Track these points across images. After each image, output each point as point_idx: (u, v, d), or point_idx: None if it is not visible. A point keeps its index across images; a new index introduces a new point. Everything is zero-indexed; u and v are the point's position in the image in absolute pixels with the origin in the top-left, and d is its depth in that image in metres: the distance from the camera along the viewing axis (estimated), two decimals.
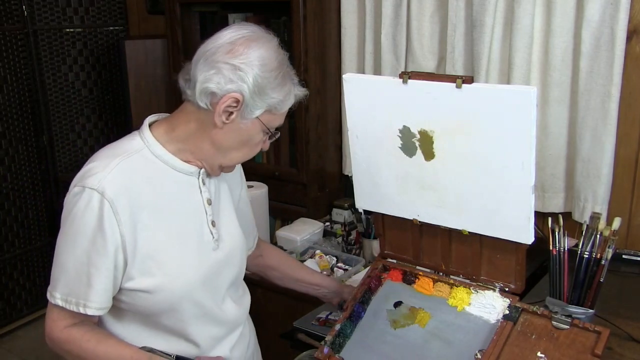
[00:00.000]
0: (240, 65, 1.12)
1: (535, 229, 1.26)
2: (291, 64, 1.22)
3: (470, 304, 1.35)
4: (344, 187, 2.50)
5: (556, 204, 2.02)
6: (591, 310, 1.33)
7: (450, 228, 1.37)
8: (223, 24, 2.48)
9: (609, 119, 1.82)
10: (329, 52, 2.33)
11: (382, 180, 1.42)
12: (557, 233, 1.35)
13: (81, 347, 1.16)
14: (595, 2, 1.78)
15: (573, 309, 1.32)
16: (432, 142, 1.29)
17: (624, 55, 1.78)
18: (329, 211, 2.39)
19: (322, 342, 1.36)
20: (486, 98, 1.20)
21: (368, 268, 1.59)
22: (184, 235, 1.22)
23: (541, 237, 1.45)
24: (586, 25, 1.80)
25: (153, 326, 1.23)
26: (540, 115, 1.95)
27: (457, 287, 1.39)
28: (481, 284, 1.37)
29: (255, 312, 1.46)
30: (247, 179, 1.47)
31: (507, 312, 1.30)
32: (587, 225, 1.37)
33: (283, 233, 2.20)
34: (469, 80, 1.21)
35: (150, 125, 1.23)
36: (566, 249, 1.36)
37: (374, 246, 2.06)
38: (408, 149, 1.34)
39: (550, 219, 1.39)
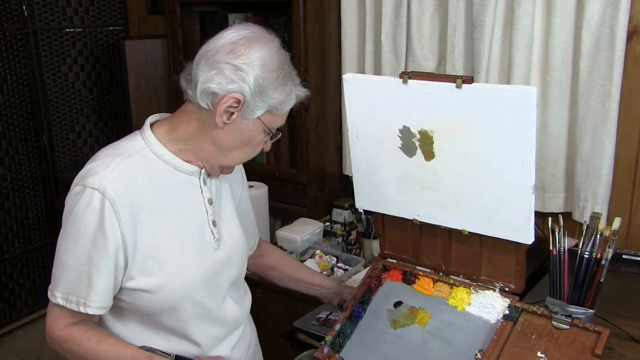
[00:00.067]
0: (242, 66, 1.12)
1: (535, 229, 1.26)
2: (292, 64, 1.22)
3: (470, 304, 1.35)
4: (344, 187, 2.50)
5: (556, 204, 2.02)
6: (591, 310, 1.33)
7: (450, 228, 1.37)
8: (223, 24, 2.49)
9: (609, 119, 1.82)
10: (329, 52, 2.33)
11: (382, 180, 1.42)
12: (557, 233, 1.35)
13: (81, 346, 1.17)
14: (596, 2, 1.78)
15: (573, 309, 1.32)
16: (432, 142, 1.29)
17: (624, 55, 1.78)
18: (329, 211, 2.39)
19: (322, 342, 1.36)
20: (486, 98, 1.20)
21: (368, 268, 1.59)
22: (185, 235, 1.22)
23: (541, 237, 1.45)
24: (586, 25, 1.80)
25: (153, 326, 1.23)
26: (540, 115, 1.95)
27: (457, 287, 1.39)
28: (481, 284, 1.37)
29: (255, 312, 1.46)
30: (247, 179, 1.47)
31: (507, 312, 1.30)
32: (587, 225, 1.37)
33: (283, 233, 2.20)
34: (469, 80, 1.21)
35: (151, 125, 1.23)
36: (566, 249, 1.36)
37: (374, 246, 2.06)
38: (408, 149, 1.34)
39: (550, 219, 1.39)
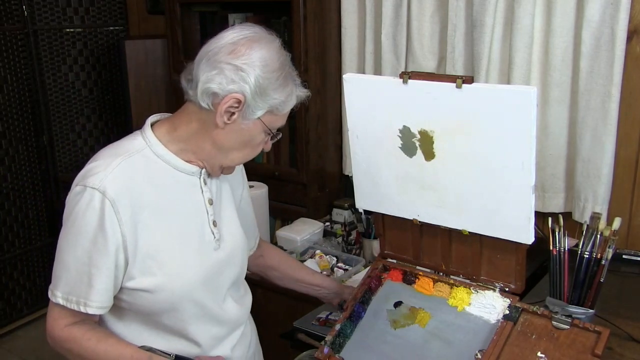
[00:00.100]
0: (242, 66, 1.12)
1: (535, 229, 1.26)
2: (292, 65, 1.22)
3: (470, 304, 1.35)
4: (344, 187, 2.50)
5: (556, 204, 2.02)
6: (591, 310, 1.33)
7: (450, 228, 1.37)
8: (223, 24, 2.49)
9: (609, 119, 1.82)
10: (329, 52, 2.33)
11: (382, 180, 1.42)
12: (557, 233, 1.35)
13: (82, 345, 1.17)
14: (596, 2, 1.78)
15: (573, 309, 1.32)
16: (432, 142, 1.29)
17: (624, 55, 1.78)
18: (329, 211, 2.39)
19: (322, 342, 1.36)
20: (486, 98, 1.20)
21: (368, 268, 1.59)
22: (185, 235, 1.22)
23: (541, 237, 1.45)
24: (586, 25, 1.80)
25: (154, 325, 1.23)
26: (541, 115, 1.95)
27: (457, 287, 1.39)
28: (481, 284, 1.37)
29: (256, 312, 1.46)
30: (248, 179, 1.47)
31: (507, 312, 1.30)
32: (588, 225, 1.37)
33: (283, 233, 2.20)
34: (469, 80, 1.21)
35: (152, 125, 1.23)
36: (566, 249, 1.36)
37: (374, 246, 2.06)
38: (408, 149, 1.34)
39: (550, 219, 1.39)
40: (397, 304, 1.41)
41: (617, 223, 1.34)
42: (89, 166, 1.16)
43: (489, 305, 1.32)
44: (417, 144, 1.32)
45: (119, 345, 1.19)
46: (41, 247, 3.19)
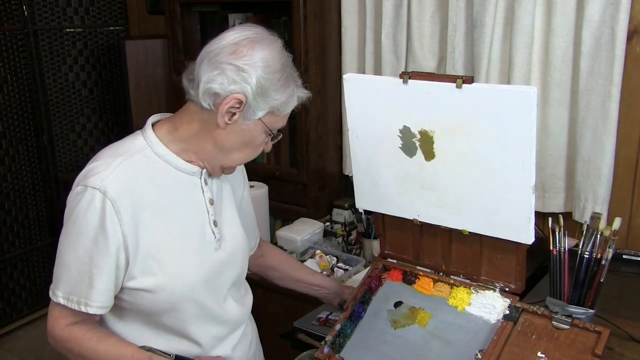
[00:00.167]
0: (244, 67, 1.12)
1: (535, 229, 1.26)
2: (293, 66, 1.22)
3: (470, 304, 1.35)
4: (344, 187, 2.50)
5: (556, 204, 2.02)
6: (591, 311, 1.33)
7: (450, 228, 1.37)
8: (223, 24, 2.49)
9: (609, 119, 1.82)
10: (329, 52, 2.33)
11: (382, 180, 1.42)
12: (557, 233, 1.35)
13: (82, 345, 1.17)
14: (596, 2, 1.78)
15: (573, 309, 1.32)
16: (433, 142, 1.29)
17: (624, 55, 1.78)
18: (329, 211, 2.39)
19: (323, 342, 1.36)
20: (486, 98, 1.20)
21: (368, 268, 1.59)
22: (186, 235, 1.22)
23: (541, 237, 1.45)
24: (586, 25, 1.80)
25: (154, 325, 1.24)
26: (541, 115, 1.95)
27: (457, 287, 1.39)
28: (481, 284, 1.37)
29: (256, 312, 1.46)
30: (248, 179, 1.47)
31: (507, 312, 1.30)
32: (588, 225, 1.37)
33: (283, 233, 2.20)
34: (469, 80, 1.21)
35: (153, 125, 1.23)
36: (566, 249, 1.36)
37: (374, 246, 2.06)
38: (408, 149, 1.34)
39: (550, 219, 1.39)
40: (397, 304, 1.41)
41: (617, 223, 1.34)
42: (90, 166, 1.16)
43: (489, 305, 1.32)
44: (417, 144, 1.32)
45: (119, 345, 1.19)
46: (41, 247, 3.19)
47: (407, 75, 1.28)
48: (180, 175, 1.22)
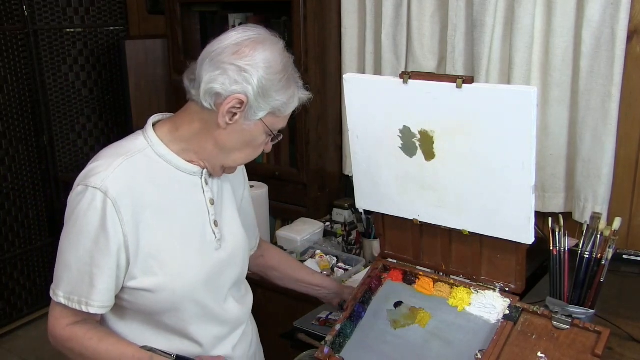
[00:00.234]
0: (246, 67, 1.12)
1: (535, 229, 1.26)
2: (295, 67, 1.22)
3: (470, 304, 1.35)
4: (344, 187, 2.50)
5: (556, 204, 2.02)
6: (591, 311, 1.33)
7: (450, 228, 1.37)
8: (223, 24, 2.49)
9: (609, 119, 1.82)
10: (330, 52, 2.33)
11: (382, 180, 1.42)
12: (557, 233, 1.35)
13: (83, 345, 1.17)
14: (596, 2, 1.78)
15: (573, 309, 1.32)
16: (433, 142, 1.29)
17: (624, 55, 1.78)
18: (329, 211, 2.39)
19: (323, 342, 1.36)
20: (486, 98, 1.20)
21: (368, 268, 1.59)
22: (187, 235, 1.22)
23: (541, 237, 1.45)
24: (587, 25, 1.80)
25: (155, 325, 1.24)
26: (541, 116, 1.95)
27: (457, 287, 1.39)
28: (481, 284, 1.37)
29: (256, 312, 1.46)
30: (248, 179, 1.47)
31: (507, 312, 1.30)
32: (588, 225, 1.37)
33: (283, 233, 2.20)
34: (469, 80, 1.21)
35: (153, 124, 1.23)
36: (566, 249, 1.36)
37: (374, 246, 2.06)
38: (408, 149, 1.34)
39: (550, 219, 1.39)
40: (397, 304, 1.41)
41: (617, 223, 1.34)
42: (91, 166, 1.16)
43: (489, 305, 1.32)
44: (418, 144, 1.32)
45: (120, 344, 1.19)
46: (41, 247, 3.19)
47: (407, 75, 1.28)
48: (181, 175, 1.22)
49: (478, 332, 1.29)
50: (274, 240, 2.25)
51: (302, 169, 2.33)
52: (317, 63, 2.27)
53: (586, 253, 1.34)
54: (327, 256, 2.07)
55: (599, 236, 1.33)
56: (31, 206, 3.12)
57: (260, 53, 1.13)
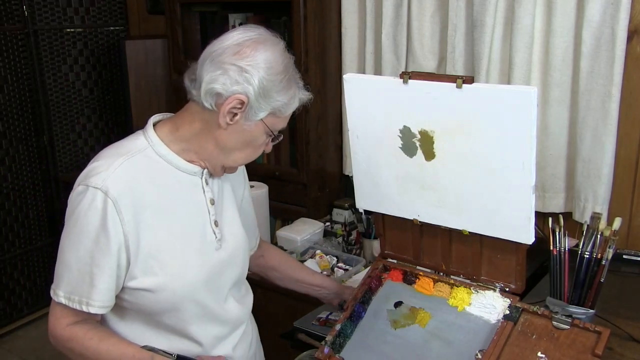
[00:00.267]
0: (247, 67, 1.12)
1: (535, 229, 1.26)
2: (295, 67, 1.22)
3: (470, 304, 1.35)
4: (344, 187, 2.50)
5: (556, 204, 2.02)
6: (591, 311, 1.33)
7: (450, 228, 1.37)
8: (223, 24, 2.49)
9: (609, 119, 1.82)
10: (330, 52, 2.33)
11: (382, 180, 1.42)
12: (557, 233, 1.35)
13: (84, 345, 1.17)
14: (596, 2, 1.78)
15: (573, 309, 1.32)
16: (433, 142, 1.29)
17: (624, 55, 1.78)
18: (329, 211, 2.39)
19: (323, 342, 1.36)
20: (487, 98, 1.20)
21: (368, 268, 1.59)
22: (187, 235, 1.22)
23: (541, 237, 1.45)
24: (587, 25, 1.80)
25: (155, 325, 1.24)
26: (541, 116, 1.95)
27: (457, 287, 1.39)
28: (481, 284, 1.37)
29: (256, 312, 1.46)
30: (248, 179, 1.47)
31: (507, 312, 1.30)
32: (588, 225, 1.37)
33: (283, 233, 2.20)
34: (470, 80, 1.21)
35: (154, 124, 1.23)
36: (566, 249, 1.36)
37: (375, 246, 2.06)
38: (408, 149, 1.34)
39: (550, 219, 1.39)
40: (398, 304, 1.41)
41: (617, 223, 1.34)
42: (91, 166, 1.16)
43: (489, 305, 1.32)
44: (418, 144, 1.32)
45: (120, 344, 1.19)
46: (41, 247, 3.19)
47: (407, 75, 1.28)
48: (182, 175, 1.22)
49: (478, 332, 1.29)
50: (274, 240, 2.25)
51: (302, 169, 2.33)
52: (317, 63, 2.27)
53: (586, 253, 1.34)
54: (327, 256, 2.07)
55: (599, 236, 1.33)
56: (31, 206, 3.12)
57: (261, 53, 1.13)
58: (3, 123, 2.91)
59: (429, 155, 1.31)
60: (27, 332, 3.12)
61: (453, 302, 1.36)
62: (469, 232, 1.35)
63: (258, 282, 1.68)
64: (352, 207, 2.27)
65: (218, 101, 1.14)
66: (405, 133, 1.32)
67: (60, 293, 1.16)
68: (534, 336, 1.25)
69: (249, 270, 1.43)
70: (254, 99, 1.14)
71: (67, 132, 3.19)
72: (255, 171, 2.32)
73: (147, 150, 1.19)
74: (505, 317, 1.29)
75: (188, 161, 1.22)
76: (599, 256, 1.33)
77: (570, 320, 1.24)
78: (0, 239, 2.99)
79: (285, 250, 2.08)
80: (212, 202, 1.26)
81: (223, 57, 1.13)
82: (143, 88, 2.96)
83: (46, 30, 3.01)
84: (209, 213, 1.26)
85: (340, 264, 2.05)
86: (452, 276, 1.42)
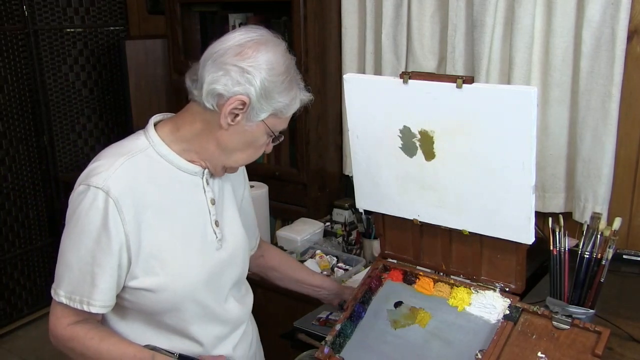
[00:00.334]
0: (248, 68, 1.12)
1: (535, 229, 1.26)
2: (297, 68, 1.22)
3: (470, 304, 1.35)
4: (345, 187, 2.50)
5: (556, 204, 2.02)
6: (591, 311, 1.33)
7: (450, 228, 1.37)
8: (223, 24, 2.49)
9: (609, 119, 1.82)
10: (330, 52, 2.33)
11: (382, 180, 1.42)
12: (557, 233, 1.36)
13: (84, 344, 1.17)
14: (596, 2, 1.78)
15: (573, 309, 1.32)
16: (433, 142, 1.29)
17: (624, 55, 1.78)
18: (329, 211, 2.39)
19: (323, 342, 1.36)
20: (487, 98, 1.20)
21: (368, 268, 1.59)
22: (188, 235, 1.22)
23: (541, 237, 1.45)
24: (587, 25, 1.80)
25: (156, 325, 1.24)
26: (541, 116, 1.95)
27: (457, 287, 1.39)
28: (481, 284, 1.37)
29: (256, 312, 1.46)
30: (248, 179, 1.47)
31: (507, 312, 1.30)
32: (588, 225, 1.37)
33: (283, 233, 2.20)
34: (470, 80, 1.21)
35: (155, 124, 1.23)
36: (567, 249, 1.36)
37: (375, 246, 2.06)
38: (408, 149, 1.34)
39: (550, 219, 1.39)
40: (398, 304, 1.41)
41: (617, 223, 1.34)
42: (92, 165, 1.16)
43: (489, 305, 1.33)
44: (418, 144, 1.32)
45: (121, 344, 1.19)
46: (41, 247, 3.19)
47: (407, 75, 1.28)
48: (182, 175, 1.22)
49: (478, 332, 1.29)
50: (274, 240, 2.25)
51: (302, 169, 2.33)
52: (317, 63, 2.27)
53: (586, 253, 1.34)
54: (327, 256, 2.07)
55: (599, 236, 1.33)
56: (31, 206, 3.12)
57: (263, 54, 1.13)
58: (3, 123, 2.91)
59: (429, 155, 1.31)
60: (27, 332, 3.12)
61: (453, 302, 1.36)
62: (469, 232, 1.35)
63: (258, 282, 1.68)
64: (352, 207, 2.27)
65: (219, 102, 1.14)
66: (405, 133, 1.32)
67: (61, 293, 1.16)
68: (534, 336, 1.25)
69: (249, 270, 1.43)
70: (256, 99, 1.14)
71: (67, 132, 3.19)
72: (255, 171, 2.32)
73: (148, 150, 1.19)
74: (505, 317, 1.29)
75: (189, 161, 1.22)
76: (599, 256, 1.33)
77: (570, 320, 1.24)
78: (0, 239, 2.99)
79: (285, 250, 2.08)
80: (213, 202, 1.26)
81: (225, 58, 1.13)
82: (143, 88, 2.96)
83: (46, 30, 3.01)
84: (210, 213, 1.26)
85: (340, 264, 2.05)
86: (452, 276, 1.42)
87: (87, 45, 3.19)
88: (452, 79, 1.22)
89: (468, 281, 1.39)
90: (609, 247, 1.31)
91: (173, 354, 1.19)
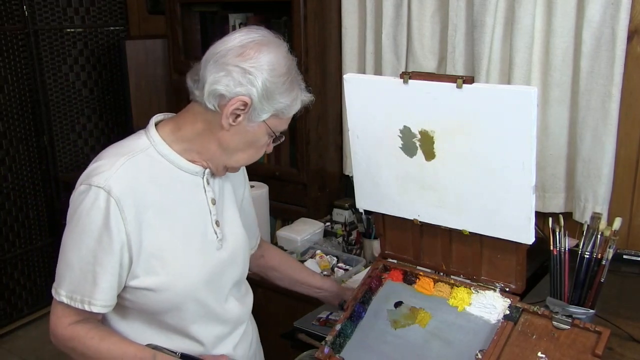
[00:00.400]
0: (250, 69, 1.12)
1: (535, 229, 1.26)
2: (298, 69, 1.22)
3: (470, 304, 1.35)
4: (345, 187, 2.50)
5: (557, 204, 2.02)
6: (592, 311, 1.33)
7: (450, 228, 1.37)
8: (223, 24, 2.49)
9: (609, 119, 1.82)
10: (330, 52, 2.33)
11: (382, 180, 1.42)
12: (557, 233, 1.36)
13: (85, 344, 1.17)
14: (596, 2, 1.78)
15: (573, 309, 1.32)
16: (433, 142, 1.29)
17: (624, 55, 1.78)
18: (329, 211, 2.40)
19: (323, 342, 1.36)
20: (487, 98, 1.20)
21: (368, 268, 1.59)
22: (189, 235, 1.22)
23: (542, 237, 1.45)
24: (587, 25, 1.80)
25: (157, 324, 1.24)
26: (541, 116, 1.96)
27: (457, 287, 1.39)
28: (482, 284, 1.37)
29: (256, 312, 1.46)
30: (248, 179, 1.47)
31: (507, 312, 1.30)
32: (588, 225, 1.37)
33: (283, 233, 2.20)
34: (470, 80, 1.21)
35: (156, 124, 1.23)
36: (567, 249, 1.36)
37: (375, 246, 2.06)
38: (408, 149, 1.34)
39: (550, 219, 1.39)
40: (398, 304, 1.41)
41: (617, 223, 1.34)
42: (94, 165, 1.17)
43: (489, 305, 1.33)
44: (418, 144, 1.32)
45: (122, 343, 1.19)
46: (42, 247, 3.19)
47: (407, 75, 1.28)
48: (183, 175, 1.22)
49: (478, 332, 1.29)
50: (274, 240, 2.25)
51: (302, 169, 2.33)
52: (317, 63, 2.27)
53: (586, 253, 1.34)
54: (327, 256, 2.07)
55: (599, 236, 1.33)
56: (31, 206, 3.12)
57: (264, 55, 1.14)
58: (3, 123, 2.91)
59: (429, 155, 1.31)
60: (27, 332, 3.12)
61: (453, 302, 1.36)
62: (469, 232, 1.35)
63: (258, 282, 1.68)
64: (352, 207, 2.27)
65: (221, 102, 1.14)
66: (406, 133, 1.32)
67: (62, 292, 1.17)
68: (534, 336, 1.25)
69: (249, 270, 1.43)
70: (257, 100, 1.14)
71: (67, 132, 3.19)
72: (255, 171, 2.32)
73: (149, 149, 1.19)
74: (506, 317, 1.29)
75: (190, 161, 1.22)
76: (599, 256, 1.33)
77: (570, 320, 1.24)
78: (0, 239, 2.99)
79: (286, 250, 2.08)
80: (214, 202, 1.26)
81: (226, 59, 1.13)
82: (143, 88, 2.96)
83: (46, 30, 3.01)
84: (210, 213, 1.26)
85: (340, 264, 2.05)
86: (452, 276, 1.42)
87: (87, 45, 3.19)
88: (452, 79, 1.22)
89: (468, 281, 1.39)
90: (609, 247, 1.31)
91: (175, 353, 1.19)
